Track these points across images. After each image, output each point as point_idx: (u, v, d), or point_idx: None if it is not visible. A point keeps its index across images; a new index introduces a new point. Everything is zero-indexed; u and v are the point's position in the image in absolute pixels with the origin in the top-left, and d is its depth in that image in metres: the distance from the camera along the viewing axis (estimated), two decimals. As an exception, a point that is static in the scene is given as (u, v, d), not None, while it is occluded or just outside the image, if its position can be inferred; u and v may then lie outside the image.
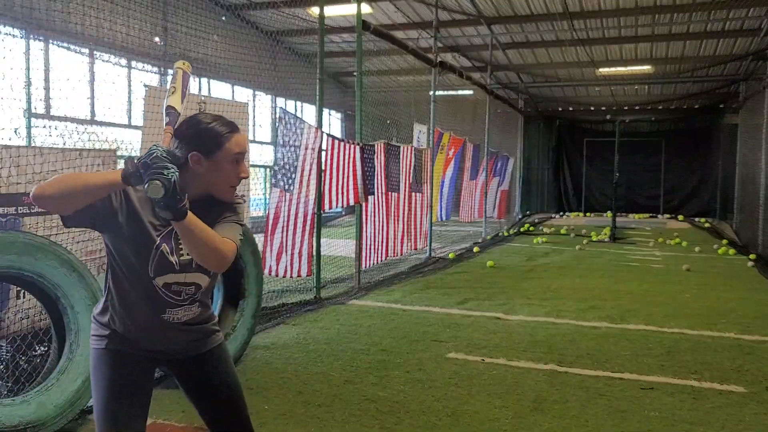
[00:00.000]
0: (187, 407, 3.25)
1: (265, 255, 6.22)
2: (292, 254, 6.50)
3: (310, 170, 6.65)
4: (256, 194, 9.44)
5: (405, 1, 12.30)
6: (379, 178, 8.22)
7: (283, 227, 6.42)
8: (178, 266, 1.95)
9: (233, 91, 12.83)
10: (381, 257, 8.49)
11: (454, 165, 11.98)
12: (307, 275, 6.68)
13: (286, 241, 6.46)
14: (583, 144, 21.55)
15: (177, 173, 1.63)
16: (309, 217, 6.63)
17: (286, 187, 6.46)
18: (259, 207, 9.50)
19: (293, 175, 6.52)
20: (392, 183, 8.70)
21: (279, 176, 6.44)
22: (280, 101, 14.20)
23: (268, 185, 11.71)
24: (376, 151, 8.08)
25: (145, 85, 4.91)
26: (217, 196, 1.94)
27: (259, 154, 12.64)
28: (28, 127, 7.47)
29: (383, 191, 8.41)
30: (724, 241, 12.89)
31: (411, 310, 6.44)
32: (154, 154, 1.62)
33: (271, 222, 6.35)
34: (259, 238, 5.19)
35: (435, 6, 11.27)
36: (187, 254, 1.93)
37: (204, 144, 1.87)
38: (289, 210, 6.48)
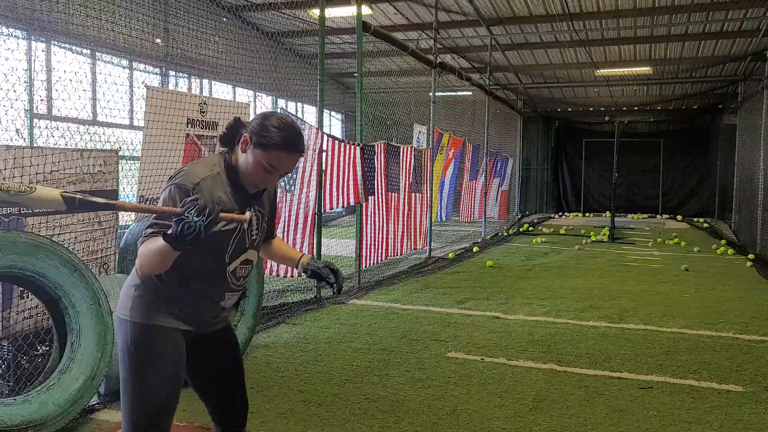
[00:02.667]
0: (187, 405, 3.27)
1: None
2: (292, 255, 6.51)
3: (311, 171, 6.67)
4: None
5: (405, 3, 12.32)
6: (380, 178, 8.25)
7: (284, 227, 6.45)
8: (249, 243, 2.09)
9: (234, 92, 12.83)
10: (381, 257, 8.51)
11: (454, 165, 12.00)
12: (307, 275, 6.69)
13: (287, 240, 6.48)
14: (582, 144, 21.58)
15: (197, 222, 1.75)
16: (310, 217, 6.65)
17: (288, 187, 6.48)
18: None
19: (294, 176, 6.54)
20: (392, 183, 8.72)
21: (279, 176, 6.46)
22: (281, 102, 14.21)
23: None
24: (376, 151, 8.10)
25: (147, 86, 4.93)
26: (241, 180, 2.03)
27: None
28: (30, 128, 7.49)
29: (383, 191, 8.43)
30: (723, 241, 12.91)
31: (411, 309, 6.46)
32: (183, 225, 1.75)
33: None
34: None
35: (435, 7, 11.30)
36: (257, 230, 2.11)
37: (258, 136, 1.96)
38: (290, 210, 6.50)
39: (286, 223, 6.48)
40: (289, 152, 1.97)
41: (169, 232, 1.77)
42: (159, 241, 1.81)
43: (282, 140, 1.95)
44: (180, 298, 2.02)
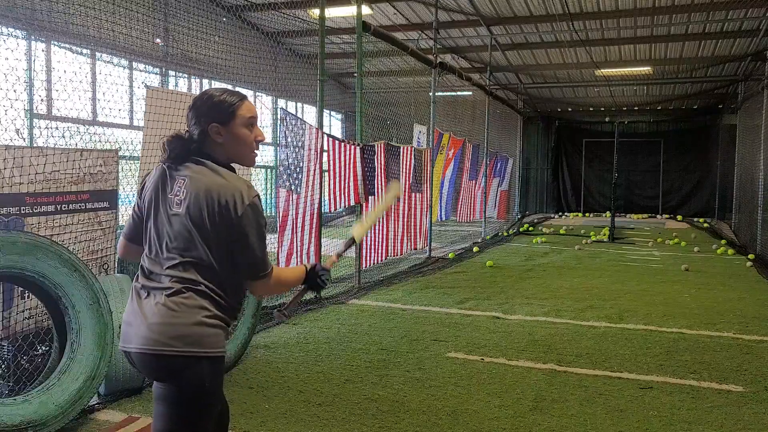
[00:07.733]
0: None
1: (278, 255, 6.27)
2: (300, 254, 6.52)
3: (314, 171, 6.68)
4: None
5: (405, 3, 12.32)
6: (380, 178, 8.25)
7: (291, 228, 6.45)
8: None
9: (233, 92, 12.82)
10: (381, 257, 8.51)
11: (453, 165, 12.00)
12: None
13: (295, 241, 6.49)
14: (582, 144, 21.58)
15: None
16: (315, 218, 6.66)
17: (292, 187, 6.47)
18: (265, 207, 9.50)
19: (300, 176, 6.54)
20: (392, 183, 8.73)
21: (285, 177, 6.46)
22: (281, 102, 14.21)
23: (269, 185, 11.73)
24: (376, 151, 8.11)
25: (147, 86, 4.93)
26: (242, 163, 2.05)
27: (261, 155, 12.64)
28: (30, 128, 7.49)
29: (383, 191, 8.43)
30: (723, 241, 12.91)
31: (411, 309, 6.46)
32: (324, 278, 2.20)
33: (279, 223, 6.38)
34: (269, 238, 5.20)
35: (435, 7, 11.29)
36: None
37: (220, 114, 1.97)
38: (296, 210, 6.50)
39: (294, 223, 6.47)
40: (244, 99, 2.03)
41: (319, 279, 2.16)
42: (297, 274, 2.15)
43: (235, 96, 2.00)
44: (236, 309, 2.09)
